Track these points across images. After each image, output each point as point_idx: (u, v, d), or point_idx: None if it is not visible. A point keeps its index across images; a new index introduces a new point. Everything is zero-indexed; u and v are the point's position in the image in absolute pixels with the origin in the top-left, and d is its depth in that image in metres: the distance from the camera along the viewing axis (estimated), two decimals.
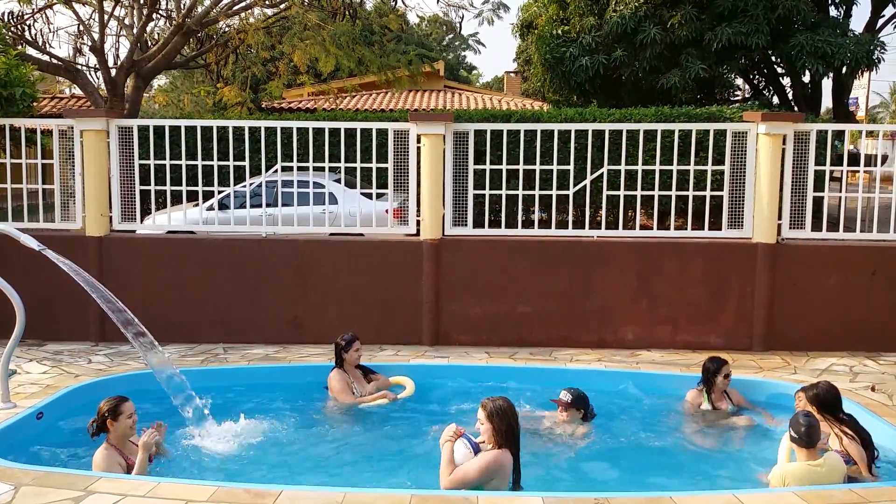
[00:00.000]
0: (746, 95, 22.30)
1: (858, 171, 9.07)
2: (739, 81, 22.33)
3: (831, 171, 9.24)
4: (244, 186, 9.52)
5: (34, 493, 4.78)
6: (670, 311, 8.70)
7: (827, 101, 20.48)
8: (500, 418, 4.86)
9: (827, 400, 5.63)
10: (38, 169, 8.89)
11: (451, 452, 4.90)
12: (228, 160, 8.85)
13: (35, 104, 11.63)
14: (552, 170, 8.84)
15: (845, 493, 4.88)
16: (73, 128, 8.72)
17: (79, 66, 15.37)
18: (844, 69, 16.98)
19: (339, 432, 6.57)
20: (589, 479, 5.75)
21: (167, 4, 16.10)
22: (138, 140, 8.79)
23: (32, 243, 6.42)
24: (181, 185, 8.85)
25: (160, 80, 28.78)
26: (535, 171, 8.80)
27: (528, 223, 9.28)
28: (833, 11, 18.45)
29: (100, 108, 13.71)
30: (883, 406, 6.74)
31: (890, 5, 18.37)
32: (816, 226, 8.77)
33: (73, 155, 8.75)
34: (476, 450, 4.94)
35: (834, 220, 9.03)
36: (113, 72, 14.93)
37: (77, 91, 21.86)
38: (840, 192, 9.16)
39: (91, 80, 15.30)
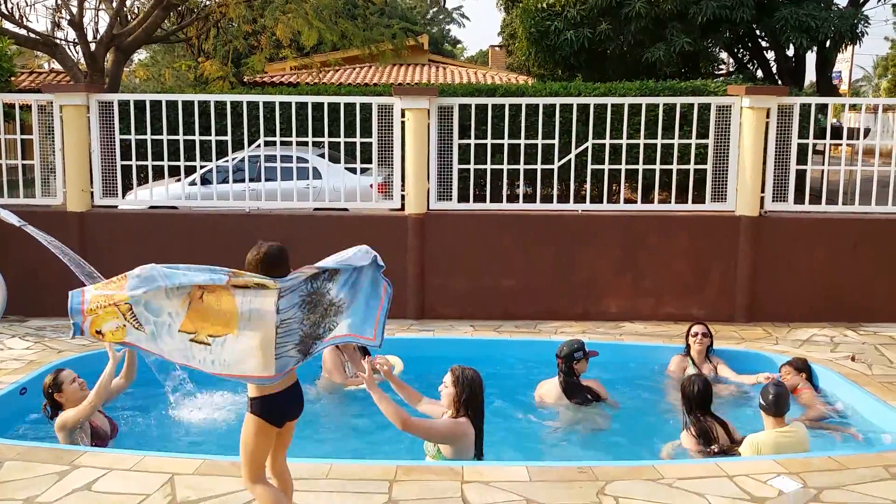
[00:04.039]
0: (731, 69, 22.27)
1: (841, 145, 9.11)
2: (724, 55, 22.26)
3: (814, 145, 9.29)
4: (227, 161, 9.45)
5: (20, 468, 4.79)
6: (654, 284, 8.75)
7: (811, 75, 20.56)
8: (463, 386, 4.92)
9: (694, 396, 5.50)
10: (18, 144, 8.80)
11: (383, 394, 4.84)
12: (210, 135, 8.76)
13: (13, 79, 11.49)
14: (537, 144, 8.84)
15: (824, 460, 4.95)
16: (52, 103, 8.61)
17: (57, 41, 15.12)
18: (828, 43, 16.98)
19: (326, 407, 6.58)
20: (573, 447, 5.82)
21: None
22: (119, 115, 8.69)
23: (12, 219, 6.36)
24: (163, 160, 8.77)
25: (140, 55, 28.29)
26: (519, 145, 8.78)
27: (512, 197, 9.28)
28: None
29: (79, 82, 13.50)
30: (863, 376, 6.82)
31: None
32: (799, 199, 8.83)
33: (53, 130, 8.64)
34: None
35: (817, 192, 9.09)
36: (92, 46, 14.70)
37: (56, 66, 21.53)
38: (823, 164, 9.23)
39: (70, 54, 15.06)
